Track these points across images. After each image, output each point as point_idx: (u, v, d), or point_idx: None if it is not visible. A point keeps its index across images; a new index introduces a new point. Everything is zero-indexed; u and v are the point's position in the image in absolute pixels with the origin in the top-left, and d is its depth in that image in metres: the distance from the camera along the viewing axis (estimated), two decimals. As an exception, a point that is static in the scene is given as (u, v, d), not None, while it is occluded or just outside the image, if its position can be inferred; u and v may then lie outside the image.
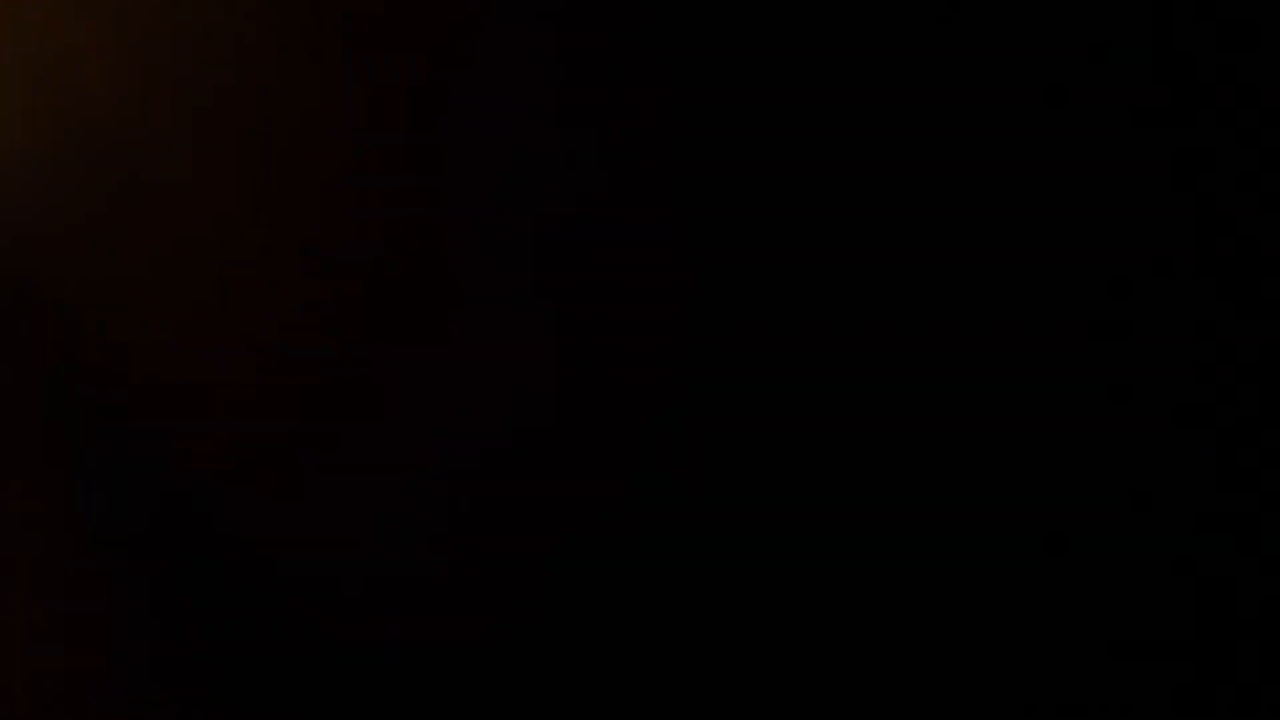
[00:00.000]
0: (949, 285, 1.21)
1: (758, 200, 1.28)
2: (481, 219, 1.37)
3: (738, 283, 1.31)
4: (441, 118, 1.35)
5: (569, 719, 1.48)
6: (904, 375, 1.25)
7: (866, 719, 1.34)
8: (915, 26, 1.16)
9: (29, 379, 1.43)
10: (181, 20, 1.36)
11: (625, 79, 1.29)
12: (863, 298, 1.25)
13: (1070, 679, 1.24)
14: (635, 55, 1.28)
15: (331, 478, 1.48)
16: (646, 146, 1.30)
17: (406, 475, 1.47)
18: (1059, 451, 1.20)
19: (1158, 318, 1.13)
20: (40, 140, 1.43)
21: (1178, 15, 1.06)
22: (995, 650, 1.27)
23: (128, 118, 1.40)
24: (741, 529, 1.36)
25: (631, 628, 1.44)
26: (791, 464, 1.32)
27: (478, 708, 1.50)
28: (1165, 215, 1.11)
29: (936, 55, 1.16)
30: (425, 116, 1.35)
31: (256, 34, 1.34)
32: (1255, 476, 1.11)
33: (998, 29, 1.13)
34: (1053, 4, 1.10)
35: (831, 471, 1.31)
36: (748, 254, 1.29)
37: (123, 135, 1.40)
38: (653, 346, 1.35)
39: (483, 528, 1.47)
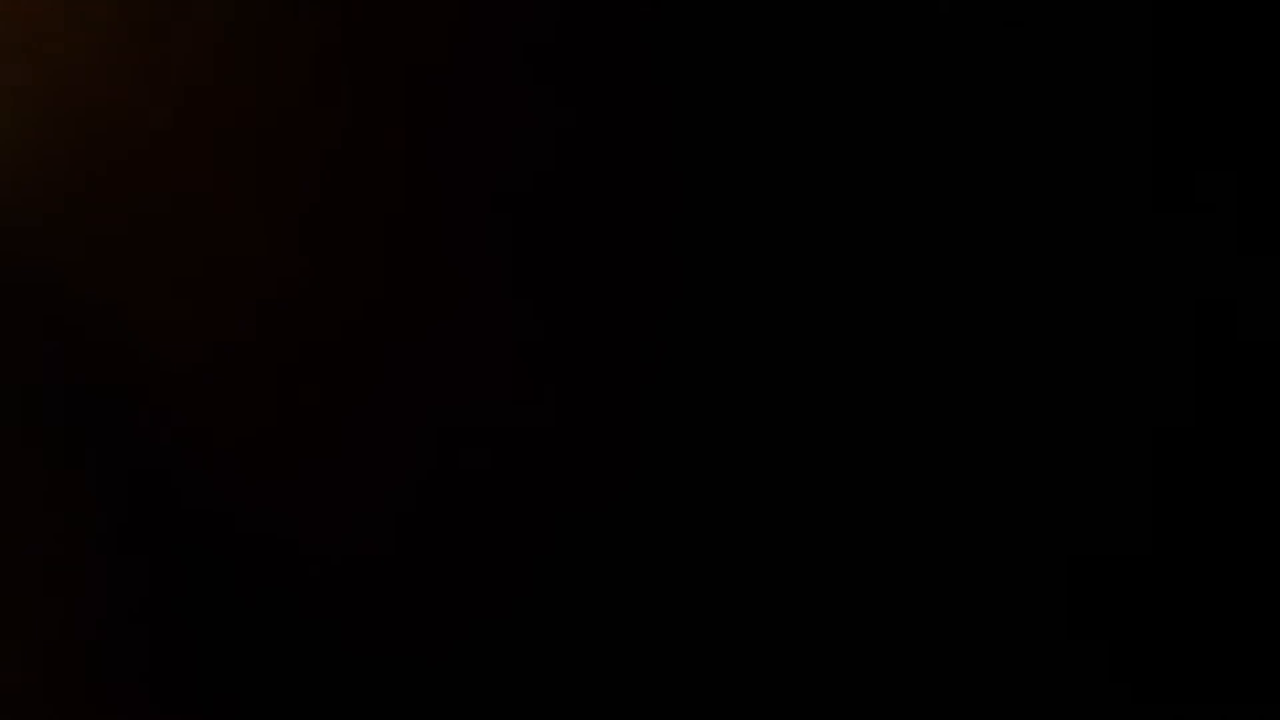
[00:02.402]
0: (949, 285, 1.21)
1: (753, 196, 1.27)
2: (475, 205, 1.37)
3: (732, 279, 1.31)
4: (435, 104, 1.35)
5: (565, 714, 1.48)
6: (901, 373, 1.25)
7: (866, 718, 1.34)
8: (915, 26, 1.16)
9: (19, 368, 1.43)
10: (176, 8, 1.35)
11: (621, 75, 1.29)
12: (859, 296, 1.25)
13: (1069, 679, 1.24)
14: (631, 52, 1.28)
15: (328, 466, 1.47)
16: (643, 142, 1.30)
17: (403, 464, 1.46)
18: (1059, 452, 1.20)
19: (1157, 317, 1.13)
20: (29, 127, 1.42)
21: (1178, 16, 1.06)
22: (994, 650, 1.27)
23: (118, 104, 1.39)
24: (739, 526, 1.36)
25: (629, 622, 1.44)
26: (789, 460, 1.32)
27: (474, 703, 1.50)
28: (1164, 216, 1.11)
29: (936, 55, 1.16)
30: (418, 105, 1.35)
31: (251, 22, 1.34)
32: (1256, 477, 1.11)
33: (998, 29, 1.13)
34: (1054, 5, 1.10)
35: (829, 469, 1.31)
36: (743, 250, 1.29)
37: (118, 123, 1.40)
38: (646, 339, 1.35)
39: (479, 518, 1.47)
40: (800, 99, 1.23)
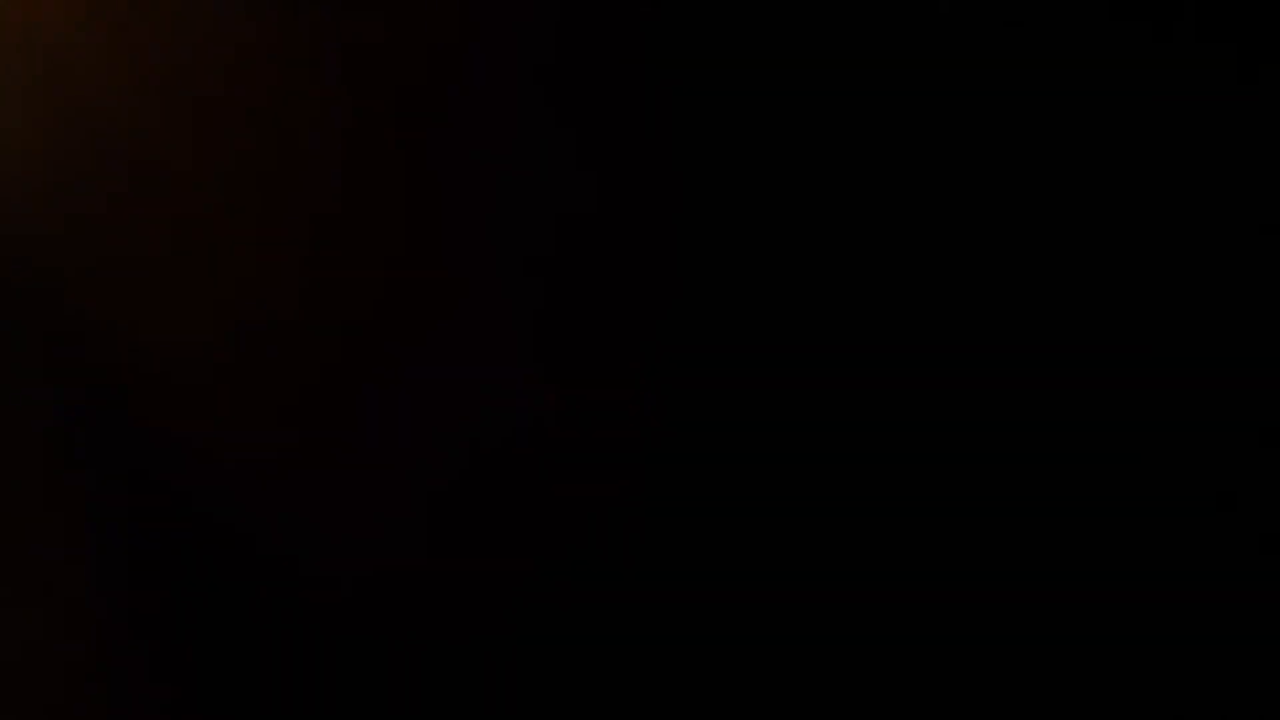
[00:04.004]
0: (950, 290, 1.21)
1: (754, 198, 1.27)
2: (477, 212, 1.37)
3: (734, 280, 1.30)
4: (436, 113, 1.35)
5: (568, 715, 1.47)
6: (905, 384, 1.25)
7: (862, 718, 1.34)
8: (915, 27, 1.16)
9: (24, 373, 1.43)
10: (179, 13, 1.35)
11: (622, 80, 1.29)
12: (864, 307, 1.25)
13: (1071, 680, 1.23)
14: (631, 56, 1.28)
15: (330, 470, 1.47)
16: (643, 149, 1.30)
17: (404, 469, 1.46)
18: (1062, 460, 1.19)
19: (1159, 320, 1.13)
20: (37, 134, 1.42)
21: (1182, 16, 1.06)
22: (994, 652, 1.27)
23: (125, 111, 1.39)
24: (738, 534, 1.36)
25: (628, 628, 1.43)
26: (790, 470, 1.32)
27: (472, 705, 1.50)
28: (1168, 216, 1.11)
29: (936, 56, 1.16)
30: (420, 113, 1.35)
31: (255, 29, 1.34)
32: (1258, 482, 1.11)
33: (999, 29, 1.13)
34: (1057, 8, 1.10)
35: (830, 470, 1.30)
36: (744, 252, 1.29)
37: (120, 129, 1.40)
38: (648, 345, 1.35)
39: (479, 522, 1.46)
40: (802, 103, 1.23)
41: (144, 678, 1.40)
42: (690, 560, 1.39)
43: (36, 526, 1.38)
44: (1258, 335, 1.09)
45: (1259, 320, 1.09)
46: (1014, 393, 1.20)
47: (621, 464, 1.39)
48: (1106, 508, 1.18)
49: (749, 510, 1.36)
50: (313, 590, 1.49)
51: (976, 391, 1.22)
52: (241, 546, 1.49)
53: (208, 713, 1.42)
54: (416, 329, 1.42)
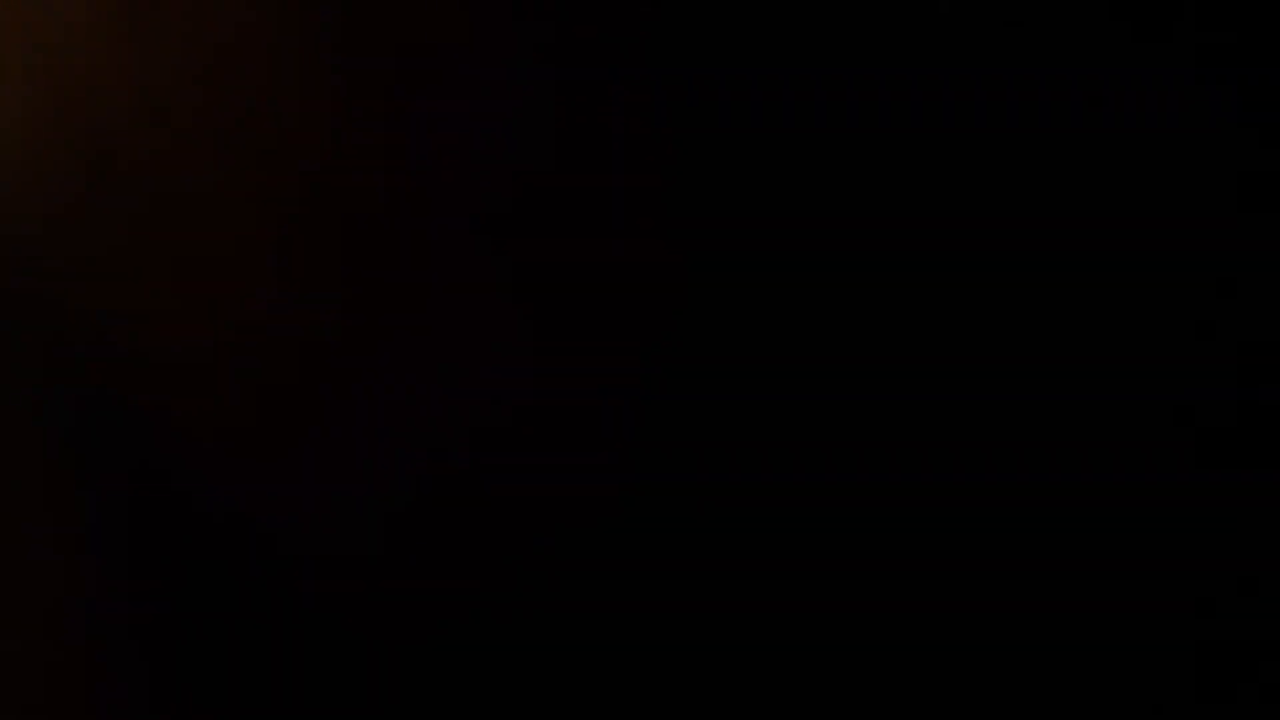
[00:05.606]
0: (945, 289, 1.21)
1: (743, 192, 1.28)
2: (463, 201, 1.37)
3: (721, 274, 1.31)
4: (423, 104, 1.35)
5: (554, 707, 1.48)
6: (884, 372, 1.25)
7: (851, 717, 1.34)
8: (915, 28, 1.16)
9: (24, 373, 1.43)
10: (178, 16, 1.36)
11: (608, 69, 1.29)
12: (845, 289, 1.25)
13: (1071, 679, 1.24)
14: (616, 46, 1.28)
15: (327, 464, 1.48)
16: (629, 137, 1.30)
17: (393, 456, 1.47)
18: (1060, 458, 1.20)
19: (1159, 320, 1.13)
20: (37, 135, 1.43)
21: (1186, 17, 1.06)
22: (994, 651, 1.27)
23: (124, 113, 1.40)
24: (724, 518, 1.36)
25: (616, 612, 1.44)
26: (775, 457, 1.32)
27: (464, 693, 1.50)
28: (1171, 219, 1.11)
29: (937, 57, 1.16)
30: (407, 105, 1.35)
31: (244, 22, 1.34)
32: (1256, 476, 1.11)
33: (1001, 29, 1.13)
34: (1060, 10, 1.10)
35: (828, 469, 1.31)
36: (732, 245, 1.29)
37: (118, 130, 1.40)
38: (633, 329, 1.35)
39: (466, 508, 1.47)
40: (800, 102, 1.23)
41: (143, 671, 1.40)
42: (677, 551, 1.39)
43: (36, 524, 1.39)
44: (1257, 335, 1.09)
45: (1259, 320, 1.09)
46: (1007, 391, 1.21)
47: (608, 455, 1.40)
48: (1105, 507, 1.19)
49: (738, 504, 1.36)
50: (309, 581, 1.50)
51: (971, 386, 1.23)
52: (239, 541, 1.49)
53: (206, 704, 1.42)
54: (409, 324, 1.42)
